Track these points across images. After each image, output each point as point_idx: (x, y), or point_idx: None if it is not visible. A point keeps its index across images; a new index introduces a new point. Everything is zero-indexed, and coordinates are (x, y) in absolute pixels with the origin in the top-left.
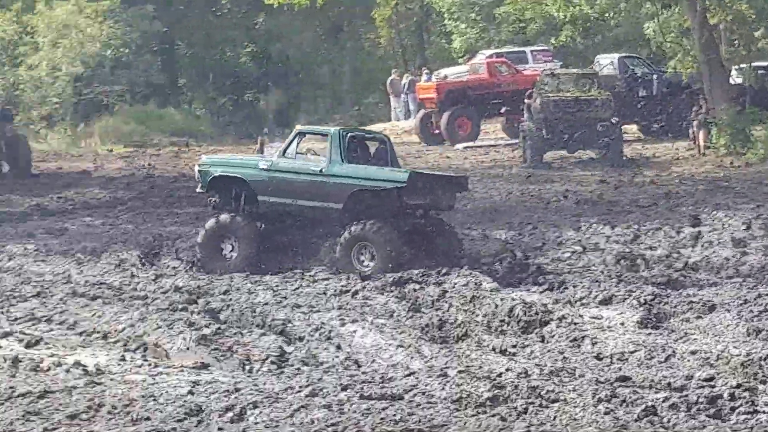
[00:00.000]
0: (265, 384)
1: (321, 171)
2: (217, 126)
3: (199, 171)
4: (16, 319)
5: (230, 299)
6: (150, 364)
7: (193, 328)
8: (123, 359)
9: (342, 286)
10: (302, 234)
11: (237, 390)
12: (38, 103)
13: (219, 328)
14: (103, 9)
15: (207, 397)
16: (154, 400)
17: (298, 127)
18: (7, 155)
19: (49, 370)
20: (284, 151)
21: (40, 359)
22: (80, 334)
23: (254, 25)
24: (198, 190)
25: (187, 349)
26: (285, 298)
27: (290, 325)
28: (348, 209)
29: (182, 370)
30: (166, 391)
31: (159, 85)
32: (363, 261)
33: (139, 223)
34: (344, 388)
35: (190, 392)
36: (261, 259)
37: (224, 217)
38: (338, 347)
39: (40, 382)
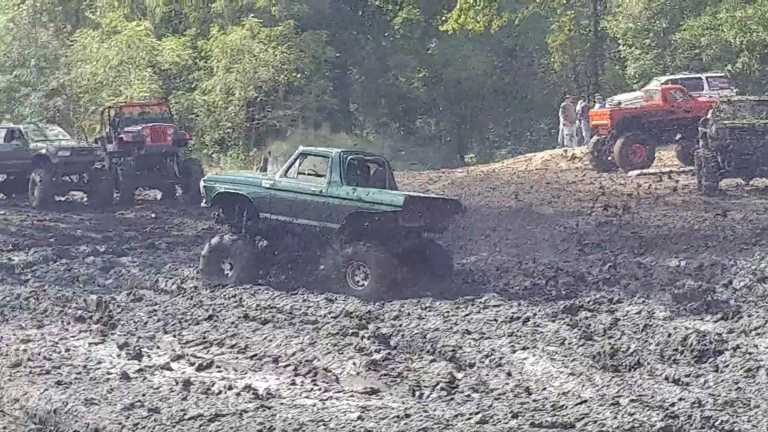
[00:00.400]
0: (435, 410)
1: (321, 192)
2: (388, 151)
3: (204, 187)
4: (187, 342)
5: (400, 324)
6: (320, 389)
7: (363, 353)
8: (293, 383)
9: (513, 312)
10: (303, 252)
11: (407, 416)
12: (212, 128)
13: (389, 354)
14: (277, 34)
15: (377, 422)
16: (324, 425)
17: (301, 148)
18: (181, 180)
19: (220, 393)
20: (286, 171)
21: (211, 382)
22: (251, 357)
23: (426, 50)
24: (202, 204)
25: (357, 374)
26: (455, 324)
27: (460, 351)
28: (345, 230)
29: (352, 395)
30: (336, 416)
31: (331, 110)
32: (357, 280)
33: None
34: (515, 416)
35: (360, 417)
36: (259, 276)
37: (226, 238)
38: (509, 374)
39: (211, 406)
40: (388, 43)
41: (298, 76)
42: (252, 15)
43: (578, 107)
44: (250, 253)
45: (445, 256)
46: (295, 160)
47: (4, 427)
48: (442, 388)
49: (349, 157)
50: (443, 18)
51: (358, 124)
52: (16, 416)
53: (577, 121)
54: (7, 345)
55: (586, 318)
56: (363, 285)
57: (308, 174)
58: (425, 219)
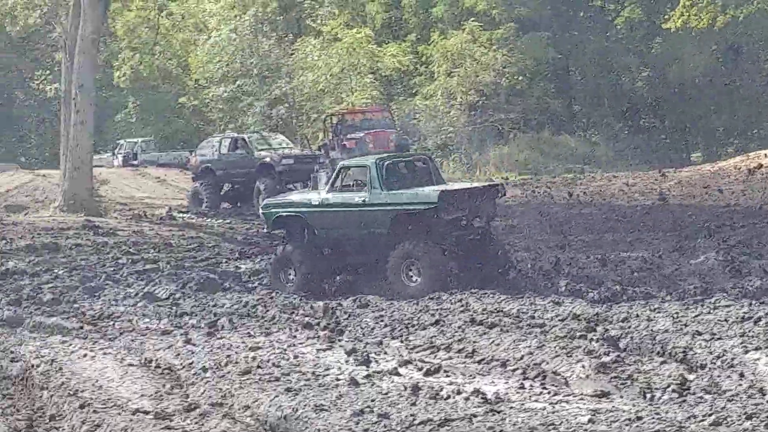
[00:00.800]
0: (667, 413)
1: (364, 201)
2: (613, 152)
3: (263, 213)
4: (415, 347)
5: (629, 327)
6: (549, 392)
7: (592, 355)
8: (522, 387)
9: (744, 312)
10: (363, 258)
11: (639, 418)
12: (433, 132)
13: (618, 356)
14: (497, 37)
15: (608, 425)
16: (555, 428)
17: (341, 163)
18: None
19: (448, 398)
20: (332, 186)
21: (439, 387)
22: (479, 362)
23: (650, 49)
24: (265, 230)
25: (587, 377)
26: (685, 325)
27: (691, 352)
28: (393, 232)
29: (582, 399)
30: (566, 420)
31: (554, 112)
32: (412, 277)
33: (534, 249)
34: (749, 417)
35: (591, 420)
36: (321, 283)
37: (288, 248)
38: (741, 375)
39: (440, 410)
40: (611, 43)
41: (520, 78)
42: (472, 19)
43: None
44: (311, 262)
45: (498, 245)
46: (337, 174)
47: None
48: (673, 390)
49: (385, 163)
50: (666, 16)
51: (581, 126)
52: (247, 423)
53: None
54: (236, 353)
55: None
56: (417, 281)
57: (352, 186)
58: (466, 209)
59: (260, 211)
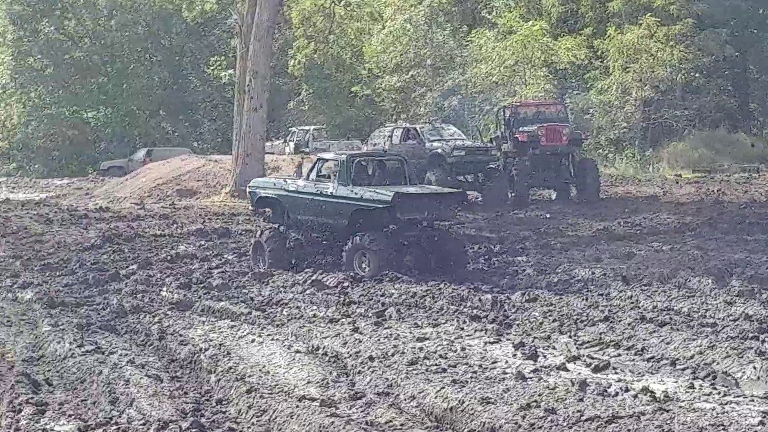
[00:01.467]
0: None
1: (331, 193)
2: None
3: (249, 192)
4: (584, 342)
5: None
6: (719, 393)
7: (764, 357)
8: (691, 387)
9: None
10: (327, 243)
11: None
12: (607, 128)
13: None
14: (675, 33)
15: None
16: (724, 429)
17: (320, 155)
18: (576, 179)
19: (616, 395)
20: (308, 175)
21: (607, 384)
22: (648, 360)
23: None
24: (249, 207)
25: (758, 378)
26: None
27: None
28: (352, 224)
29: (753, 400)
30: (736, 421)
31: (729, 110)
32: (363, 266)
33: (707, 249)
34: None
35: (761, 423)
36: (289, 265)
37: (264, 233)
38: None
39: (607, 407)
40: None
41: (696, 75)
42: (649, 14)
43: None
44: (280, 246)
45: (458, 246)
46: (314, 165)
47: (402, 424)
48: None
49: (356, 160)
50: None
51: (757, 124)
52: (412, 413)
53: None
54: (403, 343)
55: None
56: (366, 269)
57: (325, 177)
58: (424, 211)
59: (248, 189)
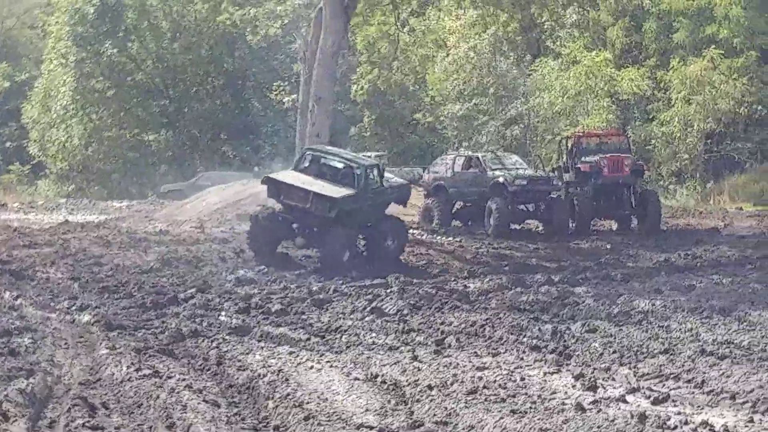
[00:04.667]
0: None
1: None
2: None
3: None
4: (643, 375)
5: None
6: None
7: None
8: (751, 421)
9: None
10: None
11: None
12: (669, 159)
13: None
14: (738, 65)
15: None
16: None
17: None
18: (637, 210)
19: (675, 428)
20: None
21: (666, 416)
22: (708, 393)
23: None
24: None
25: None
26: None
27: None
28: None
29: None
30: None
31: None
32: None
33: (764, 282)
34: None
35: None
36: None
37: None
38: None
39: None
40: None
41: (759, 108)
42: (713, 46)
43: None
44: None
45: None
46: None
47: None
48: None
49: (307, 151)
50: None
51: None
52: None
53: None
54: (463, 372)
55: None
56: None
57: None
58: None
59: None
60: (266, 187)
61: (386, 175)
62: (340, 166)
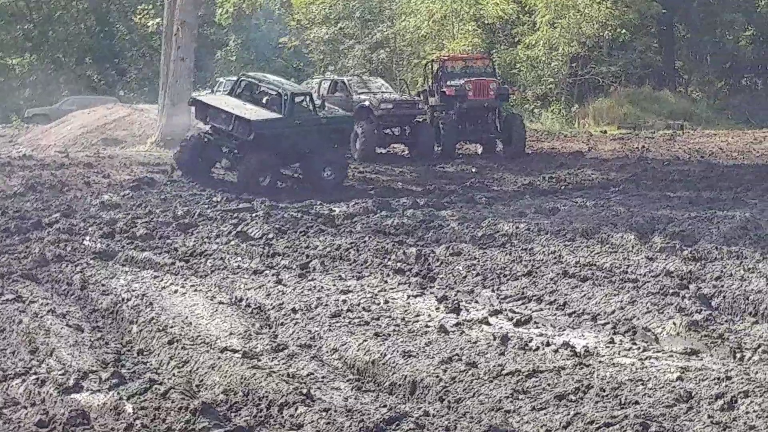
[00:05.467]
0: (756, 373)
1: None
2: (712, 110)
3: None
4: (506, 297)
5: (722, 285)
6: (639, 348)
7: (683, 313)
8: (612, 342)
9: None
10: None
11: (728, 378)
12: (534, 83)
13: (710, 315)
14: None
15: (696, 383)
16: (643, 384)
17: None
18: (502, 134)
19: (537, 349)
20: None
21: (528, 338)
22: (569, 314)
23: (756, 7)
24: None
25: (677, 334)
26: None
27: None
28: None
29: (672, 356)
30: (655, 376)
31: (655, 67)
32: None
33: (630, 205)
34: None
35: (680, 378)
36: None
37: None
38: None
39: (528, 362)
40: (716, 0)
41: (623, 32)
42: None
43: None
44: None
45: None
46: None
47: (324, 377)
48: (764, 351)
49: (242, 78)
50: None
51: (682, 82)
52: (334, 366)
53: None
54: (327, 295)
55: None
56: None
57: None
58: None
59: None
60: (193, 109)
61: (328, 106)
62: (270, 92)
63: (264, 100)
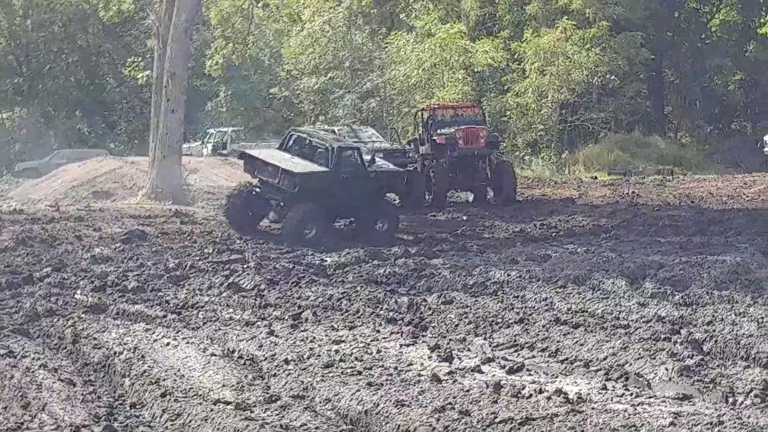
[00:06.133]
0: (749, 417)
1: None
2: (702, 154)
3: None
4: (498, 344)
5: (714, 330)
6: (631, 394)
7: (675, 358)
8: (604, 388)
9: None
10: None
11: (720, 423)
12: (524, 130)
13: (702, 360)
14: (590, 36)
15: (689, 428)
16: (636, 430)
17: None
18: (493, 182)
19: (530, 397)
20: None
21: (521, 386)
22: (562, 361)
23: (744, 52)
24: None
25: (670, 379)
26: None
27: None
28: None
29: (664, 401)
30: (648, 422)
31: (645, 113)
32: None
33: (621, 251)
34: None
35: (672, 423)
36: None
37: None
38: None
39: (521, 409)
40: (705, 45)
41: (612, 78)
42: (566, 17)
43: None
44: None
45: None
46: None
47: (317, 427)
48: (756, 395)
49: (292, 132)
50: (762, 20)
51: (672, 127)
52: (328, 416)
53: None
54: (319, 345)
55: None
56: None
57: None
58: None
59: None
60: (242, 163)
61: (379, 161)
62: (319, 146)
63: (312, 154)
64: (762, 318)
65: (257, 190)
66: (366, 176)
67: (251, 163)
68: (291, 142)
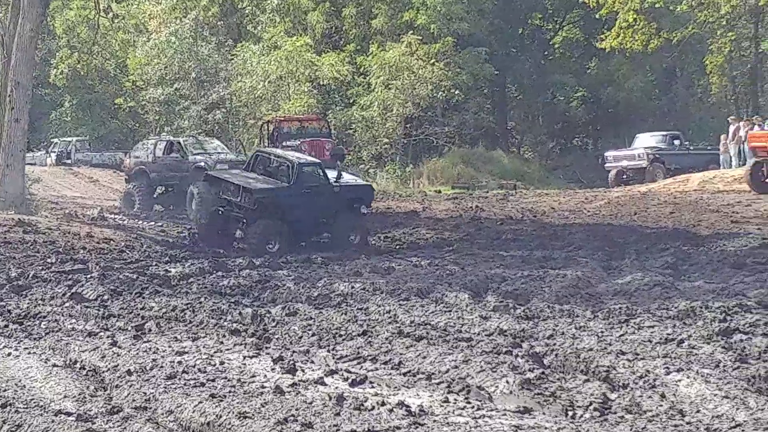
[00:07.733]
0: (587, 431)
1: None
2: (544, 169)
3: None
4: (342, 357)
5: (554, 344)
6: (473, 407)
7: (516, 371)
8: (446, 401)
9: (667, 334)
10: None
11: None
12: (369, 143)
13: (543, 373)
14: (435, 51)
15: None
16: None
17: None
18: None
19: (373, 409)
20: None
21: (364, 398)
22: (404, 374)
23: (585, 69)
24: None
25: (511, 392)
26: (610, 344)
27: (614, 371)
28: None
29: (505, 414)
30: None
31: (488, 128)
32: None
33: (464, 264)
34: None
35: None
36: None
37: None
38: (662, 396)
39: (364, 421)
40: (547, 62)
41: (456, 93)
42: (411, 32)
43: (743, 130)
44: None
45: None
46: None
47: None
48: (595, 409)
49: (257, 153)
50: (602, 37)
51: (515, 142)
52: (170, 428)
53: (741, 144)
54: (162, 357)
55: (741, 341)
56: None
57: None
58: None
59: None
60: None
61: (347, 176)
62: (281, 164)
63: (277, 172)
64: (602, 332)
65: (221, 210)
66: (330, 190)
67: (216, 184)
68: (256, 162)
